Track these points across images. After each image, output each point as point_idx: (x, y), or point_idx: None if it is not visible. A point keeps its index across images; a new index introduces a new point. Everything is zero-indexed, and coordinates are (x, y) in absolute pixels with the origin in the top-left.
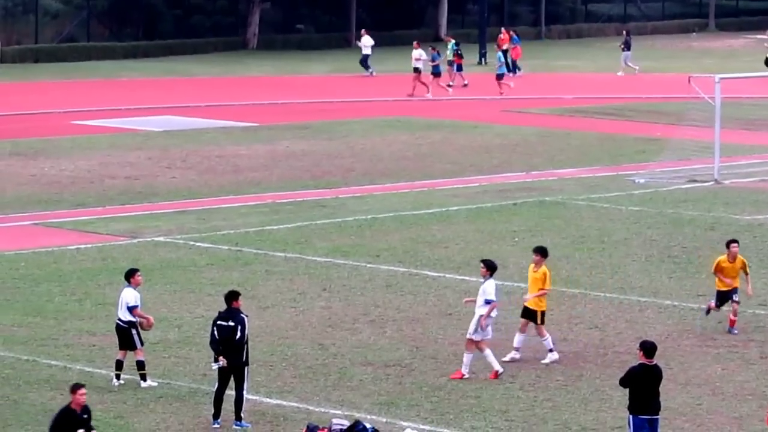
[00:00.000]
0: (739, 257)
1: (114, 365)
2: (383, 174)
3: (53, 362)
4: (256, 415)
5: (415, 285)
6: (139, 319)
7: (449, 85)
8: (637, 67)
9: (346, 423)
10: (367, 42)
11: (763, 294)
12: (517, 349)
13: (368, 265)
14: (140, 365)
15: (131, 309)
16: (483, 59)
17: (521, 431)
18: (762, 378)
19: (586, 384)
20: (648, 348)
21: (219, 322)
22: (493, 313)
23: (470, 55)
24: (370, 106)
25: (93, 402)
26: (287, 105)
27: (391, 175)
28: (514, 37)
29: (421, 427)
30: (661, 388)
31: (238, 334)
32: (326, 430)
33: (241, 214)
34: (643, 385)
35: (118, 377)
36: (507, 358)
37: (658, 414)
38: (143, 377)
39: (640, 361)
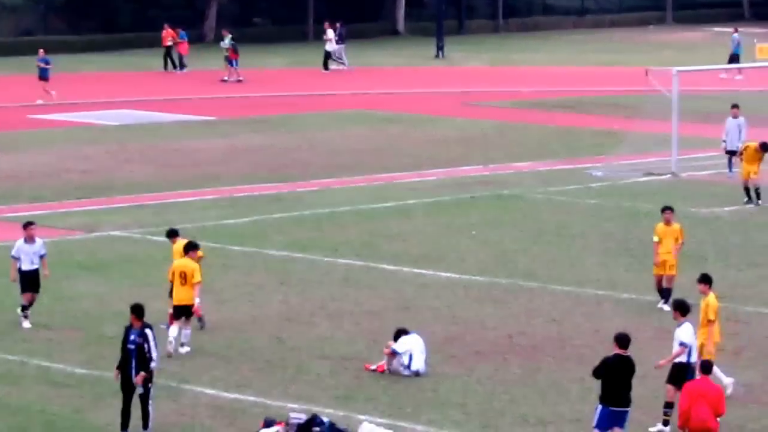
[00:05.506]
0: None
1: (21, 309)
2: (341, 168)
3: (10, 357)
4: (213, 409)
5: (373, 278)
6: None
7: (223, 80)
8: (346, 63)
9: (304, 417)
10: None
11: (720, 287)
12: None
13: (326, 259)
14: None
15: (42, 257)
16: (441, 52)
17: (479, 424)
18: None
19: (543, 377)
20: (622, 339)
21: None
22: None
23: (428, 49)
24: (328, 99)
25: (50, 396)
26: (245, 98)
27: (348, 169)
28: (181, 33)
29: (379, 420)
30: None
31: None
32: (284, 424)
33: (198, 208)
34: (617, 376)
35: (26, 317)
36: None
37: (629, 406)
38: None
39: (615, 352)
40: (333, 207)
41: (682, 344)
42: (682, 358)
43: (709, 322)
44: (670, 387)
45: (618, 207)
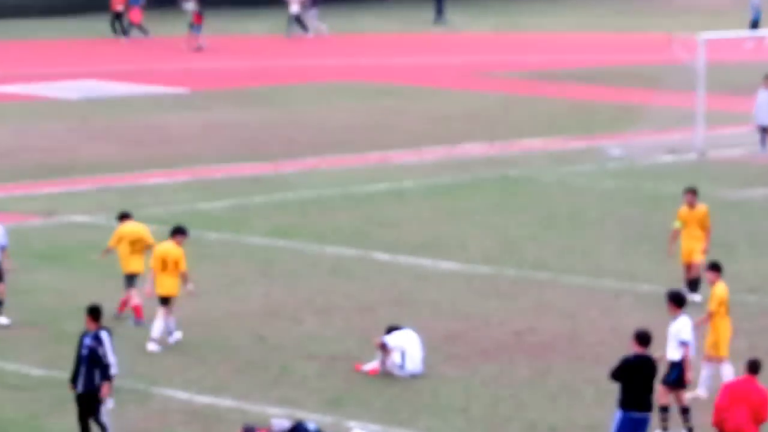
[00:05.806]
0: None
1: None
2: (329, 146)
3: None
4: (186, 415)
5: (365, 269)
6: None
7: (198, 48)
8: (320, 28)
9: (288, 423)
10: None
11: (751, 278)
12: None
13: (313, 248)
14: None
15: (4, 247)
16: (440, 17)
17: (483, 431)
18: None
19: (554, 379)
20: (643, 336)
21: None
22: None
23: (427, 12)
24: (314, 69)
25: (5, 400)
26: (221, 69)
27: (338, 148)
28: None
29: (371, 426)
30: None
31: None
32: (265, 430)
33: (170, 190)
34: (638, 378)
35: None
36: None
37: (650, 410)
38: None
39: (635, 351)
40: (320, 189)
41: (683, 343)
42: (677, 356)
43: (708, 314)
44: (662, 388)
45: (638, 189)
